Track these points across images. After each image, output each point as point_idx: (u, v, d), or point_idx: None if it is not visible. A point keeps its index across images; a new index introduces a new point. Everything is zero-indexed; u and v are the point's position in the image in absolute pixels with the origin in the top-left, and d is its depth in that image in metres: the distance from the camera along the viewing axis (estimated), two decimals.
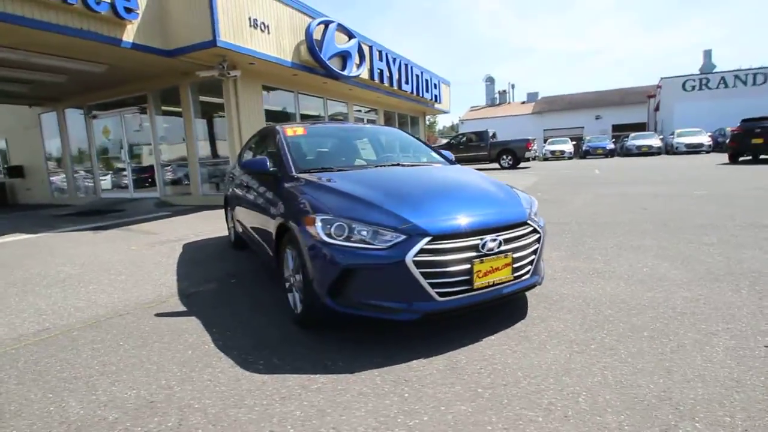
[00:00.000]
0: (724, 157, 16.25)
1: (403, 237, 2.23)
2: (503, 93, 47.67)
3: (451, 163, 3.88)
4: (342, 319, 2.56)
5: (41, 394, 2.11)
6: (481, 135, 18.97)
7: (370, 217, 2.35)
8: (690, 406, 1.72)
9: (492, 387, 1.94)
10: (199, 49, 7.45)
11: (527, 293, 2.99)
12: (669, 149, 23.41)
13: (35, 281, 4.18)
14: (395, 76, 13.35)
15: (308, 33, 9.21)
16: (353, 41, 10.72)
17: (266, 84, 9.70)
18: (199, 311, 3.17)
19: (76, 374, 2.30)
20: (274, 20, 8.53)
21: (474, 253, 2.30)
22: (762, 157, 14.11)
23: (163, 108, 10.18)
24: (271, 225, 3.10)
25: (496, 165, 17.99)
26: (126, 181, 11.07)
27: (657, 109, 31.72)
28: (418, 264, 2.19)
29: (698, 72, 33.34)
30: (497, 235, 2.38)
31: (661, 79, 30.80)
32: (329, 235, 2.33)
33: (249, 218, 3.97)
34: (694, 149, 22.12)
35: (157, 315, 3.15)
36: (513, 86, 48.01)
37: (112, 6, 6.40)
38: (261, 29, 8.17)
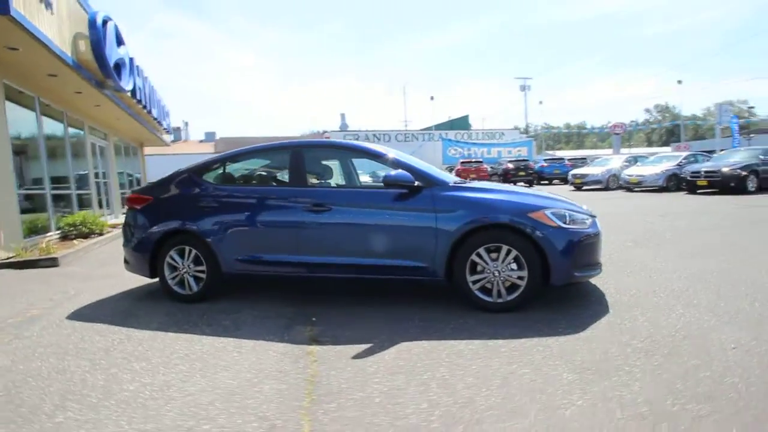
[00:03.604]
0: None
1: (592, 218, 3.37)
2: (177, 129, 45.18)
3: None
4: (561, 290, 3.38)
5: None
6: None
7: (570, 207, 3.31)
8: None
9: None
10: None
11: None
12: None
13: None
14: (148, 97, 11.35)
15: (94, 26, 6.95)
16: (124, 48, 8.67)
17: (8, 82, 6.45)
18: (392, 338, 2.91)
19: None
20: None
21: None
22: None
23: None
24: (430, 233, 3.23)
25: None
26: None
27: None
28: None
29: (338, 129, 43.98)
30: None
31: (325, 132, 38.85)
32: (565, 223, 3.13)
33: (321, 239, 3.52)
34: None
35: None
36: (187, 124, 46.46)
37: None
38: (46, 5, 5.70)
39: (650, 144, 74.81)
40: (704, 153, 17.90)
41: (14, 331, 3.31)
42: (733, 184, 12.46)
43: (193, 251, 3.82)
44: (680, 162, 15.54)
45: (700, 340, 2.53)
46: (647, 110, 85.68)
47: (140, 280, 4.63)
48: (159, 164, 24.24)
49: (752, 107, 61.89)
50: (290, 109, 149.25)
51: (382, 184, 3.41)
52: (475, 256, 3.19)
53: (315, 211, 3.53)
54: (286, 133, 46.05)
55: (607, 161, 19.56)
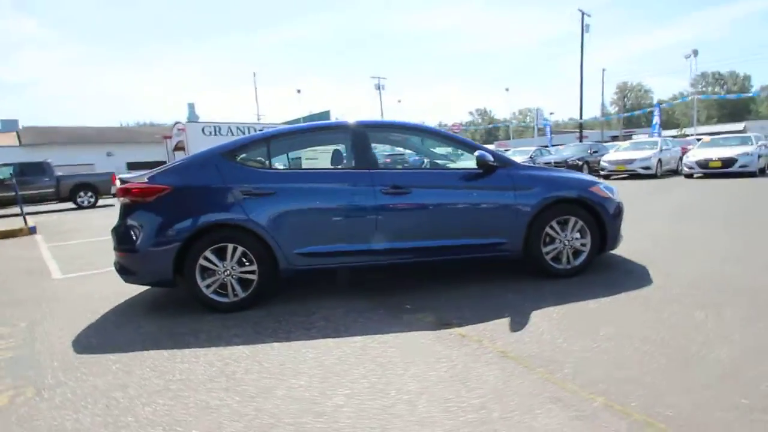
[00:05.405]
0: None
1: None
2: None
3: None
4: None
5: None
6: (41, 167, 15.16)
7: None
8: None
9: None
10: None
11: None
12: None
13: None
14: None
15: None
16: None
17: None
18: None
19: None
20: None
21: None
22: None
23: None
24: (511, 209, 3.45)
25: (69, 204, 14.73)
26: None
27: (181, 148, 34.86)
28: None
29: (187, 120, 39.48)
30: None
31: (179, 122, 34.20)
32: (612, 194, 3.69)
33: (403, 223, 3.40)
34: None
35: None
36: None
37: None
38: None
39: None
40: (543, 147, 22.03)
41: (21, 383, 2.28)
42: None
43: (239, 248, 3.19)
44: (531, 155, 18.83)
45: (743, 279, 3.29)
46: (471, 113, 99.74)
47: (111, 297, 3.65)
48: None
49: (552, 113, 77.58)
50: (116, 97, 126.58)
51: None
52: (548, 229, 3.51)
53: (393, 194, 3.34)
54: (111, 123, 39.07)
55: None
